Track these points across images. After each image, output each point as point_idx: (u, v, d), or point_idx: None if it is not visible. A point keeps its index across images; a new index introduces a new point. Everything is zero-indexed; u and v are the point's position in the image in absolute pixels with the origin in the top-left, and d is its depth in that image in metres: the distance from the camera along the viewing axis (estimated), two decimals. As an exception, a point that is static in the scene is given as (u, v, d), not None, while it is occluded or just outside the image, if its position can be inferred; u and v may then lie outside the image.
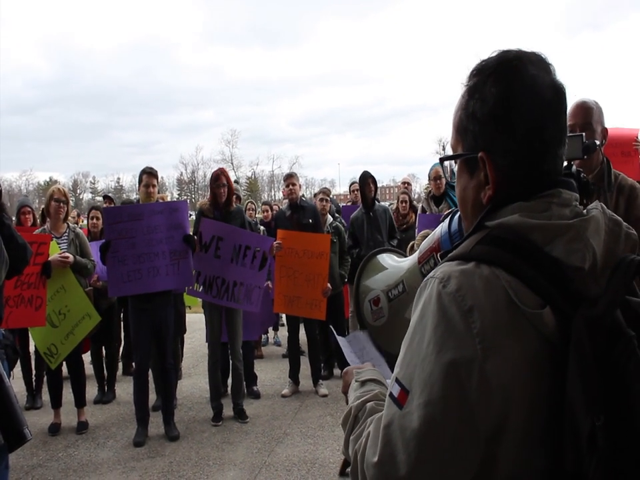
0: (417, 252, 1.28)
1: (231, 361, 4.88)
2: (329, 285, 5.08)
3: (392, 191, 59.92)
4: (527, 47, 0.89)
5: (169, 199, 11.59)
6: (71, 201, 4.90)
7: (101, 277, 4.90)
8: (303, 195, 6.27)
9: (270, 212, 7.48)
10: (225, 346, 4.95)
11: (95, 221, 5.61)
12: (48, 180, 62.79)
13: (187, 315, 6.16)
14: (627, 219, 0.93)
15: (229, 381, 5.02)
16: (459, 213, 1.09)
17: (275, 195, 66.33)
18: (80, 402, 4.71)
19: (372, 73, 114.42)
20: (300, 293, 5.10)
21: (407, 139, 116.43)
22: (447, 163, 0.99)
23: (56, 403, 4.65)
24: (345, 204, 8.84)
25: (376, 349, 1.37)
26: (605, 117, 2.38)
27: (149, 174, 4.50)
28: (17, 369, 4.36)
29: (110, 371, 5.50)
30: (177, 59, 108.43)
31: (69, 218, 4.82)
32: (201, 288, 4.71)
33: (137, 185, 4.72)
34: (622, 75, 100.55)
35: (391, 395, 0.83)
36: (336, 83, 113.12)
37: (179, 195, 65.96)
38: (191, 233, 4.63)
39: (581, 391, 0.72)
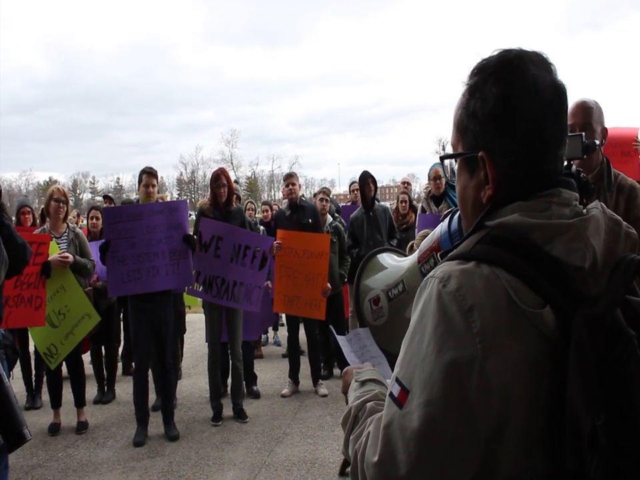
0: (417, 251, 1.28)
1: (230, 361, 4.88)
2: (328, 284, 5.08)
3: (392, 191, 59.91)
4: (528, 47, 0.88)
5: (168, 198, 11.62)
6: (70, 201, 4.89)
7: (100, 276, 4.90)
8: (303, 195, 6.27)
9: (270, 212, 7.47)
10: (224, 346, 4.95)
11: (94, 220, 5.62)
12: (48, 180, 62.81)
13: (186, 314, 6.15)
14: (626, 219, 0.93)
15: (229, 380, 5.01)
16: (458, 212, 1.09)
17: (274, 194, 66.32)
18: (80, 402, 4.70)
19: (372, 72, 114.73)
20: (300, 292, 5.10)
21: (406, 139, 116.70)
22: (447, 161, 0.98)
23: (56, 403, 4.65)
24: (344, 204, 8.84)
25: (377, 345, 1.37)
26: (605, 117, 2.38)
27: (148, 174, 4.50)
28: (17, 369, 4.36)
29: (110, 371, 5.50)
30: (176, 58, 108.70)
31: (69, 218, 4.82)
32: (201, 288, 4.71)
33: (137, 185, 4.72)
34: (622, 75, 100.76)
35: (390, 394, 0.83)
36: (336, 82, 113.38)
37: (178, 194, 65.92)
38: (191, 233, 4.63)
39: (581, 390, 0.72)
